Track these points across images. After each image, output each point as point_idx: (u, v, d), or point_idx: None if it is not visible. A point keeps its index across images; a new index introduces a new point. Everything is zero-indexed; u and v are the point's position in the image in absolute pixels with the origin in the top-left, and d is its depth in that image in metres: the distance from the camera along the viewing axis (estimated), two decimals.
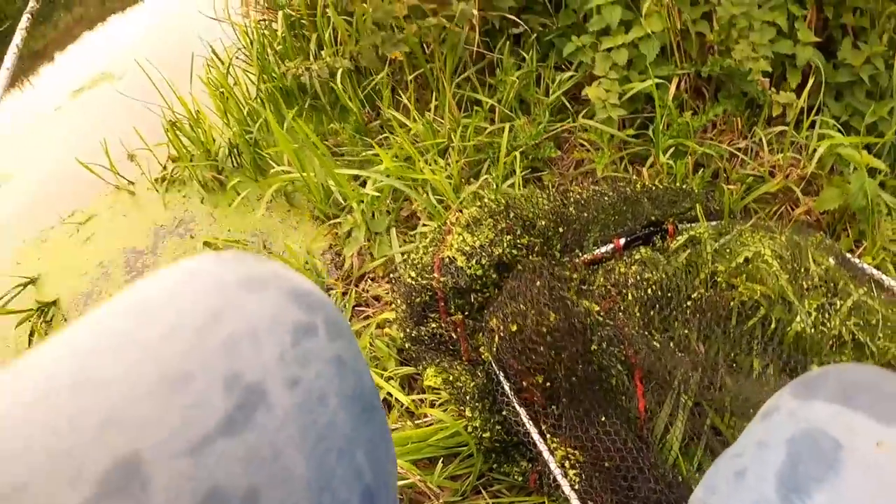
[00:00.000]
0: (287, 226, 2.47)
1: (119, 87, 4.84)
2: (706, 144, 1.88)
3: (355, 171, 2.22)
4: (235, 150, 2.79)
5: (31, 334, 2.73)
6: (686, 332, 1.34)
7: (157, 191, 3.05)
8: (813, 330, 1.30)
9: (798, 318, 1.30)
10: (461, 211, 1.56)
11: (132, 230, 2.95)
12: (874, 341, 1.32)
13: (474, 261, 1.43)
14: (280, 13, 2.85)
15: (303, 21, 2.80)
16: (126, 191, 3.20)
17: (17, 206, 3.90)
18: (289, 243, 2.30)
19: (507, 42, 2.26)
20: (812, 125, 1.95)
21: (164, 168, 3.14)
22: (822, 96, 2.04)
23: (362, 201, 2.10)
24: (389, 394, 1.51)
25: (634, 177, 1.82)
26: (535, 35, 2.28)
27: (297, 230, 2.42)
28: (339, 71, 2.42)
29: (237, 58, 3.31)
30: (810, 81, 2.02)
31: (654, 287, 1.34)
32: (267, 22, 3.06)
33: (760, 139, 1.90)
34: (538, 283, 1.25)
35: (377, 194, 2.09)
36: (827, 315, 1.33)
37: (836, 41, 2.24)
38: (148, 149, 3.20)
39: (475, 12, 2.09)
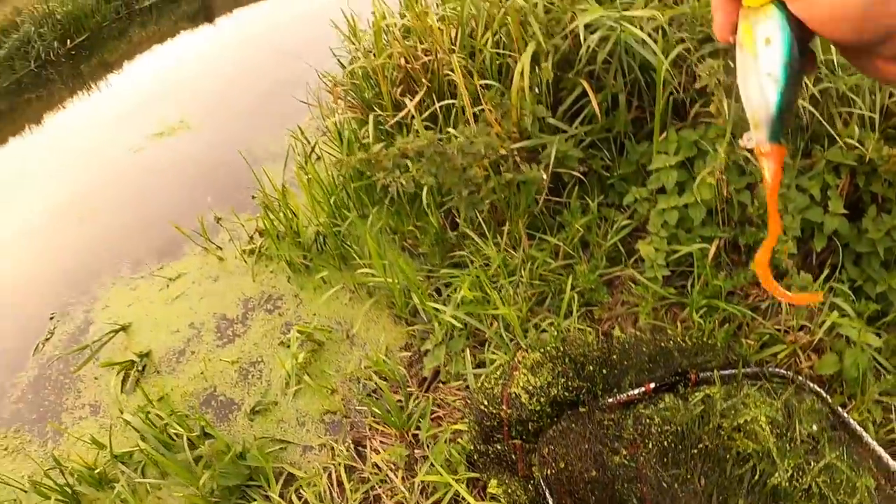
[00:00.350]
0: (368, 318, 3.18)
1: (197, 138, 5.71)
2: (734, 301, 2.51)
3: (437, 305, 2.90)
4: (322, 237, 3.50)
5: (124, 380, 3.45)
6: (691, 472, 1.97)
7: (245, 262, 3.79)
8: (788, 484, 1.92)
9: (777, 474, 1.93)
10: (527, 351, 2.22)
11: (222, 297, 3.68)
12: (836, 496, 1.93)
13: (535, 399, 2.09)
14: (371, 116, 3.56)
15: (391, 129, 3.50)
16: (215, 255, 3.96)
17: (101, 245, 4.72)
18: (370, 336, 3.00)
19: (574, 188, 2.93)
20: (828, 282, 2.55)
21: (252, 240, 3.88)
22: (842, 258, 2.64)
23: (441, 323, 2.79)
24: (458, 493, 2.17)
25: (669, 329, 2.46)
26: (597, 176, 2.94)
27: (377, 324, 3.13)
28: (425, 188, 3.11)
29: (324, 142, 4.06)
30: (834, 243, 2.63)
31: (670, 437, 1.98)
32: (356, 118, 3.78)
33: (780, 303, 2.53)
34: (581, 429, 1.90)
35: (457, 324, 2.76)
36: (802, 472, 1.95)
37: (865, 204, 2.84)
38: (238, 221, 3.97)
39: (545, 176, 2.77)
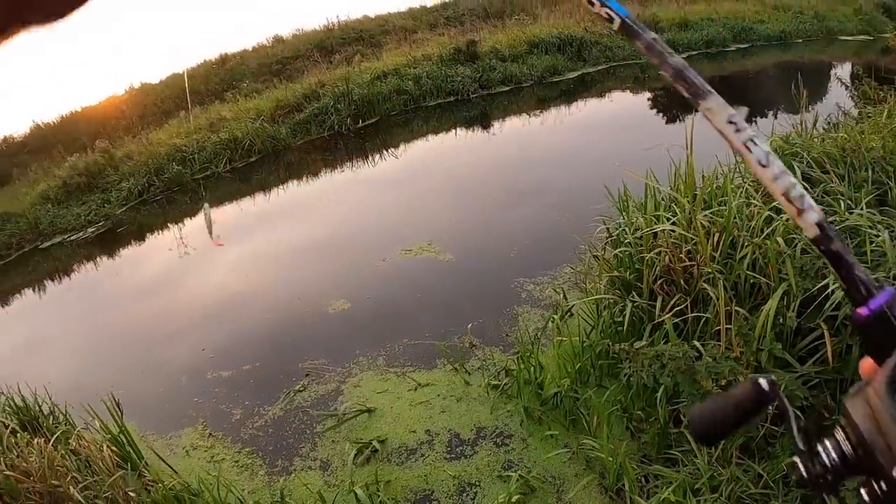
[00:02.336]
0: (580, 485, 3.61)
1: (443, 264, 6.61)
2: None
3: (641, 501, 3.28)
4: (560, 397, 4.01)
5: (357, 454, 4.12)
6: None
7: (488, 394, 4.40)
8: None
9: None
10: None
11: (460, 417, 4.29)
12: None
13: None
14: (629, 304, 4.05)
15: (642, 314, 3.97)
16: (463, 378, 4.61)
17: (364, 327, 5.64)
18: (576, 499, 3.42)
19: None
20: None
21: (498, 377, 4.49)
22: None
23: None
24: None
25: None
26: (817, 413, 3.17)
27: (586, 490, 3.54)
28: (662, 386, 3.52)
29: (581, 302, 4.62)
30: None
31: None
32: (613, 297, 4.30)
33: None
34: None
35: None
36: None
37: None
38: (490, 353, 4.63)
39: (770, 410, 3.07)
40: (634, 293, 4.15)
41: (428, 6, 26.02)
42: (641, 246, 4.25)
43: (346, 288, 6.51)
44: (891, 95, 6.24)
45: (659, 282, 4.03)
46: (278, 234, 9.02)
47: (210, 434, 4.73)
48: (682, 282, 3.92)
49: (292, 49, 21.93)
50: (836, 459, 0.61)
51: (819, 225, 0.63)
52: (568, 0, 24.98)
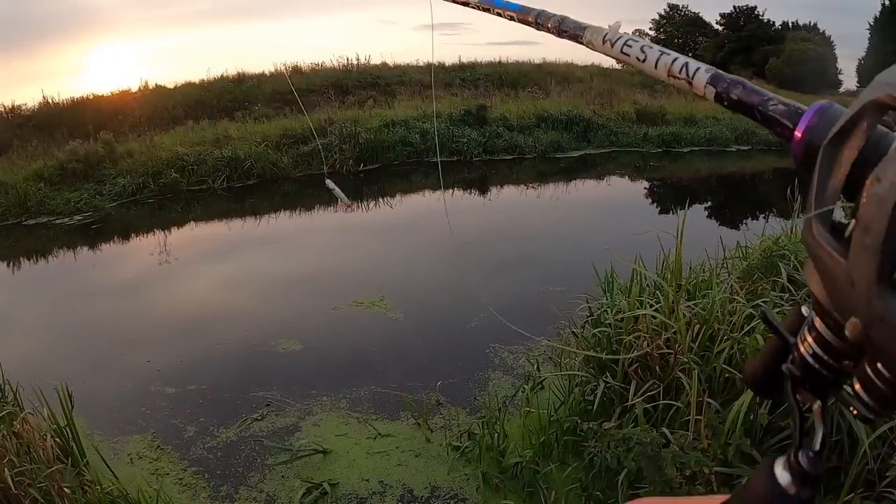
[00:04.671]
0: None
1: (392, 316, 6.59)
2: None
3: None
4: (521, 468, 3.94)
5: (306, 494, 3.98)
6: None
7: (448, 454, 4.29)
8: None
9: None
10: None
11: (416, 473, 4.18)
12: None
13: None
14: (602, 384, 4.01)
15: (613, 395, 3.93)
16: (425, 434, 4.51)
17: (329, 368, 5.56)
18: None
19: None
20: None
21: (461, 438, 4.40)
22: None
23: None
24: None
25: None
26: None
27: None
28: (626, 469, 3.47)
29: (553, 376, 4.59)
30: None
31: None
32: (586, 376, 4.26)
33: None
34: None
35: None
36: None
37: None
38: (455, 413, 4.55)
39: None
40: (608, 374, 4.12)
41: (447, 65, 26.51)
42: (621, 328, 4.24)
43: (298, 329, 6.48)
44: None
45: (634, 366, 4.00)
46: (248, 262, 9.08)
47: (158, 446, 4.59)
48: (657, 368, 3.90)
49: (308, 82, 22.18)
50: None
51: (711, 83, 0.59)
52: (580, 81, 25.64)
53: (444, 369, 5.45)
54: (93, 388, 5.41)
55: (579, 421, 3.94)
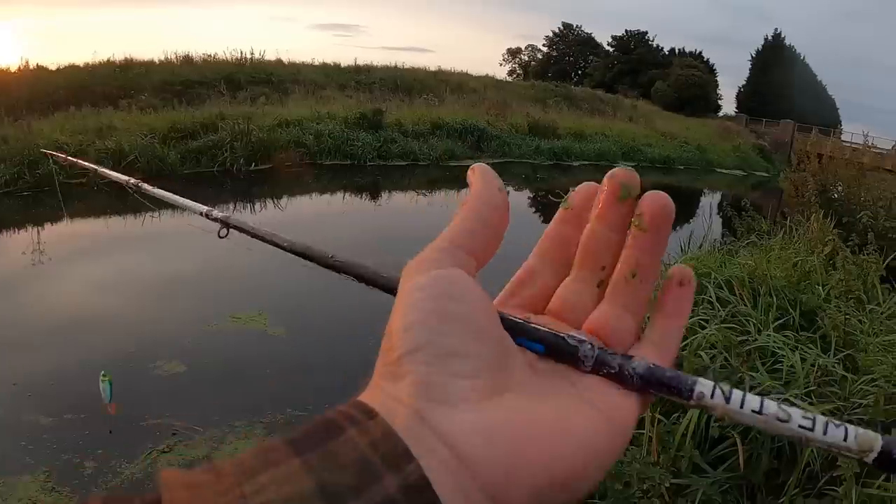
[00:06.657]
0: None
1: (271, 331, 6.41)
2: None
3: None
4: None
5: None
6: None
7: None
8: None
9: None
10: None
11: None
12: None
13: None
14: None
15: None
16: None
17: (222, 396, 5.31)
18: None
19: None
20: None
21: None
22: None
23: None
24: None
25: None
26: None
27: None
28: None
29: None
30: None
31: None
32: None
33: None
34: None
35: None
36: None
37: None
38: None
39: None
40: None
41: (342, 66, 26.42)
42: None
43: (181, 346, 5.86)
44: (780, 229, 6.81)
45: None
46: (124, 266, 8.48)
47: (53, 488, 3.91)
48: None
49: (199, 73, 21.49)
50: None
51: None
52: (473, 91, 26.14)
53: (351, 386, 5.33)
54: None
55: None
